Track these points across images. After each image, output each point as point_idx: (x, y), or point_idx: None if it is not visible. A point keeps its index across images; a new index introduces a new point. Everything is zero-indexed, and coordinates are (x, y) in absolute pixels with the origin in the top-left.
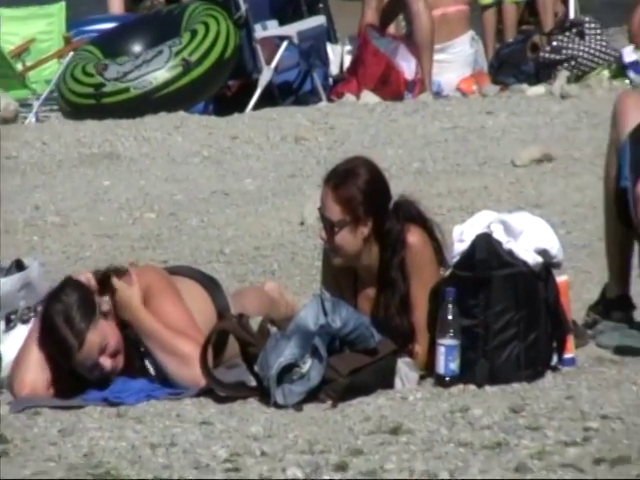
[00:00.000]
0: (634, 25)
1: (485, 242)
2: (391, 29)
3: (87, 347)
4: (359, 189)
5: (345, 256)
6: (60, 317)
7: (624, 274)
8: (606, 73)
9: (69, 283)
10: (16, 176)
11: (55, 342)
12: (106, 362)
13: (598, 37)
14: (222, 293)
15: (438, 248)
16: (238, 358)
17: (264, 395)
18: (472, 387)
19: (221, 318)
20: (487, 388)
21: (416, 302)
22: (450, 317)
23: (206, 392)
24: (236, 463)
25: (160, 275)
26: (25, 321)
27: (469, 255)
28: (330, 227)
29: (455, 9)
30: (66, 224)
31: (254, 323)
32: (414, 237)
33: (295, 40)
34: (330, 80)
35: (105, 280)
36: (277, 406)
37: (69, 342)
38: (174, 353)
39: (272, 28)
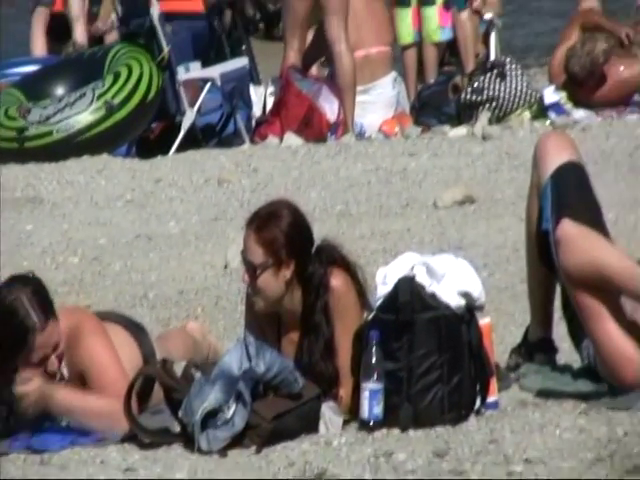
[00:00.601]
0: (554, 66)
1: (408, 285)
2: (313, 70)
3: (48, 332)
4: (282, 232)
5: (267, 299)
6: (22, 298)
7: (546, 317)
8: (527, 114)
9: (19, 278)
10: None
11: (15, 322)
12: (54, 362)
13: (519, 78)
14: (147, 338)
15: (361, 291)
16: (163, 404)
17: (188, 441)
18: (396, 431)
19: (147, 363)
20: (411, 432)
21: (340, 346)
22: (374, 361)
23: (130, 438)
24: None
25: (90, 316)
26: None
27: (392, 298)
28: (252, 270)
29: (377, 50)
30: None
31: (178, 368)
32: (337, 280)
33: (218, 82)
34: (253, 122)
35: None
36: (201, 452)
37: (32, 319)
38: (98, 416)
39: (195, 70)
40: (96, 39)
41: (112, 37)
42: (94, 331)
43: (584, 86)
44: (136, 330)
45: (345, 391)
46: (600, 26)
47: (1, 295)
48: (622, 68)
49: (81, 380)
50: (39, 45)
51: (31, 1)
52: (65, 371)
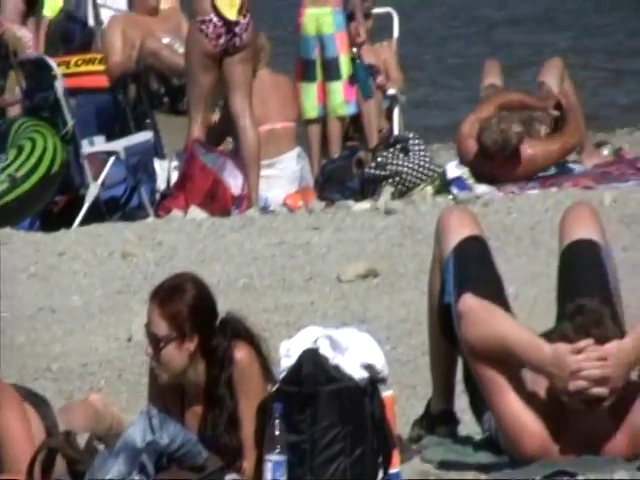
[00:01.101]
0: (463, 133)
1: (312, 357)
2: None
3: None
4: (185, 305)
5: (171, 372)
6: None
7: (448, 389)
8: (430, 189)
9: None
10: None
11: None
12: None
13: (422, 153)
14: (50, 410)
15: (265, 364)
16: (66, 476)
17: None
18: None
19: (49, 436)
20: None
21: (243, 418)
22: (277, 433)
23: None
24: None
25: (6, 389)
26: None
27: (296, 370)
28: (156, 343)
29: (282, 125)
30: None
31: (81, 440)
32: (241, 353)
33: (122, 155)
34: (157, 195)
35: None
36: None
37: None
38: None
39: (99, 144)
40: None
41: (16, 110)
42: (9, 405)
43: (492, 160)
44: (38, 403)
45: (248, 463)
46: (523, 104)
47: None
48: (529, 147)
49: None
50: None
51: None
52: None
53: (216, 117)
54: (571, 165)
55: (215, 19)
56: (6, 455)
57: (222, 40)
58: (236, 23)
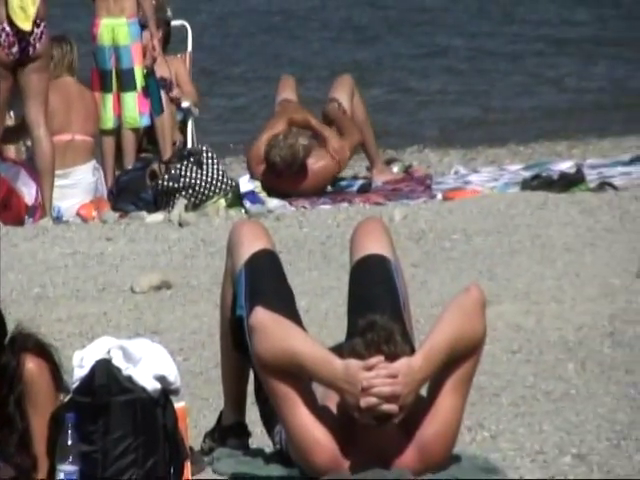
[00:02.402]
0: (254, 152)
1: (105, 368)
2: (11, 153)
3: None
4: None
5: None
6: None
7: (240, 401)
8: (223, 202)
9: None
10: None
11: None
12: None
13: (215, 166)
14: None
15: (57, 374)
16: None
17: None
18: None
19: None
20: None
21: (35, 431)
22: (69, 443)
23: None
24: None
25: None
26: None
27: (88, 381)
28: None
29: (82, 138)
30: None
31: None
32: (29, 364)
33: None
34: None
35: None
36: None
37: None
38: None
39: None
40: None
41: None
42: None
43: (282, 176)
44: None
45: (42, 473)
46: (308, 124)
47: None
48: (316, 161)
49: None
50: None
51: None
52: None
53: (10, 122)
54: (360, 181)
55: (8, 28)
56: None
57: (15, 49)
58: (30, 32)
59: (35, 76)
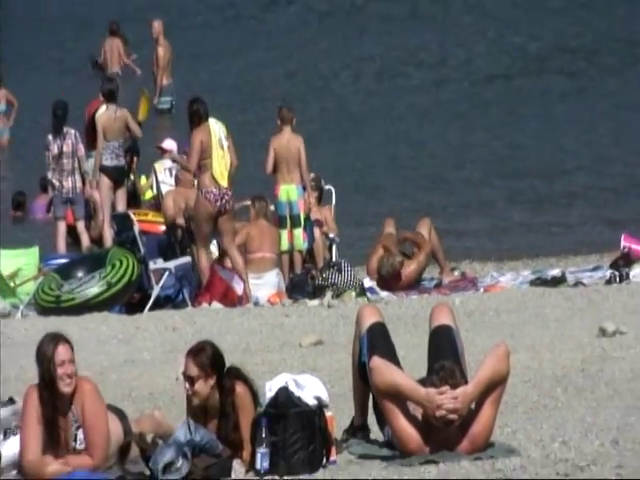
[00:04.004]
0: (370, 267)
1: (284, 392)
2: (228, 264)
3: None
4: (207, 358)
5: (199, 398)
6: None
7: (364, 411)
8: (353, 293)
9: None
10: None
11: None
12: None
13: (350, 271)
14: (127, 420)
15: (255, 395)
16: (139, 459)
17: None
18: (277, 477)
19: (126, 435)
20: (285, 477)
21: (242, 426)
22: (264, 435)
23: (119, 478)
24: None
25: (102, 402)
26: (15, 434)
27: (275, 399)
28: (191, 381)
29: (269, 255)
30: None
31: (149, 438)
32: (239, 389)
33: (173, 270)
34: (193, 294)
35: None
36: None
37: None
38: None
39: (159, 263)
40: (95, 240)
41: (108, 240)
42: (101, 407)
43: (389, 280)
44: (120, 414)
45: (246, 453)
46: (405, 238)
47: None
48: (406, 268)
49: None
50: (61, 246)
51: (52, 211)
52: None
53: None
54: (435, 281)
55: (214, 190)
56: (87, 434)
57: (219, 203)
58: (226, 191)
59: (228, 222)
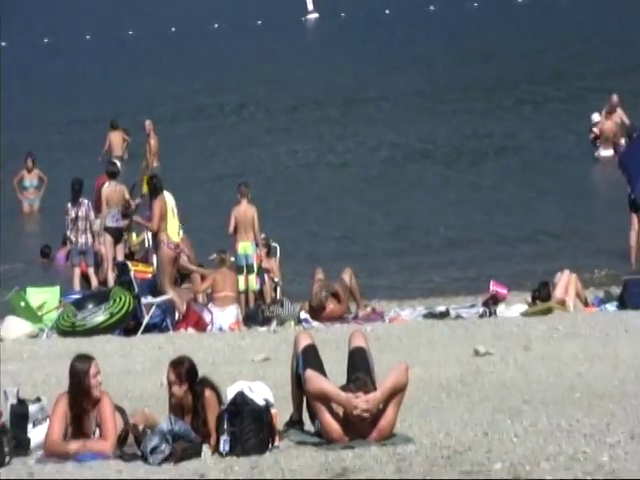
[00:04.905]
0: (305, 305)
1: (241, 395)
2: (200, 299)
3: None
4: (184, 369)
5: (177, 399)
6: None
7: (299, 408)
8: (292, 322)
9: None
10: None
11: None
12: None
13: (290, 306)
14: (126, 414)
15: (219, 397)
16: (134, 443)
17: (145, 459)
18: (234, 458)
19: (126, 425)
20: (241, 458)
21: (210, 421)
22: (225, 426)
23: (118, 457)
24: None
25: (110, 401)
26: (42, 424)
27: (234, 400)
28: (170, 385)
29: (230, 294)
30: None
31: (140, 428)
32: (207, 393)
33: (159, 304)
34: (175, 321)
35: None
36: (149, 464)
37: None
38: (102, 450)
39: (149, 299)
40: (102, 282)
41: (111, 281)
42: (110, 405)
43: (317, 310)
44: (121, 411)
45: (213, 440)
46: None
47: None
48: (329, 305)
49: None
50: (77, 283)
51: (70, 260)
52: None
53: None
54: (353, 314)
55: (172, 243)
56: (104, 427)
57: (177, 251)
58: (177, 244)
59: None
